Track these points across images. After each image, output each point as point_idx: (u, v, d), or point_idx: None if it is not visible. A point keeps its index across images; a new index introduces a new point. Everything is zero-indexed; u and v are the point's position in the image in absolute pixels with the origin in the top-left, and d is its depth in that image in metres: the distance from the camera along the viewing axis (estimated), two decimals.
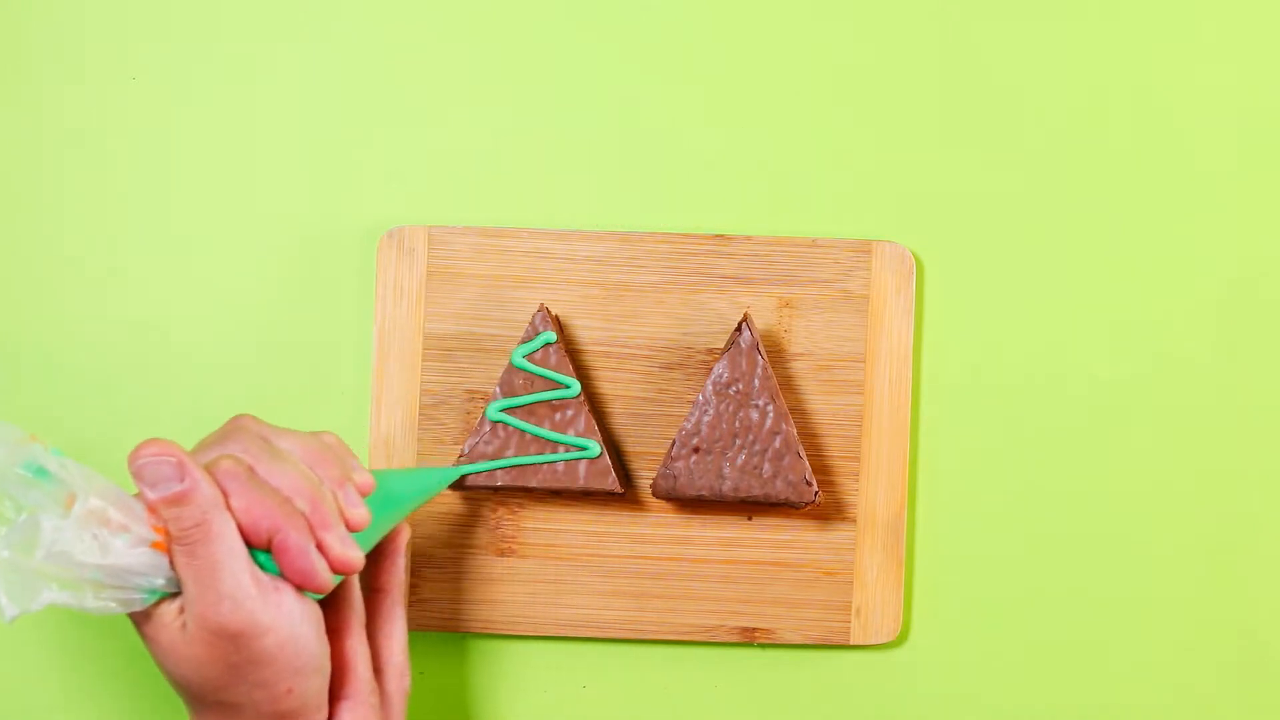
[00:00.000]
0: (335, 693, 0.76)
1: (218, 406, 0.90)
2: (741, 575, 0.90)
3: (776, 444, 0.86)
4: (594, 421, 0.86)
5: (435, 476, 0.83)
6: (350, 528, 0.74)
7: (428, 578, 0.89)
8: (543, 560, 0.90)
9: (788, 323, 0.90)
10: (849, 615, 0.90)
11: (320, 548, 0.73)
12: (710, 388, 0.86)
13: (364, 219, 0.91)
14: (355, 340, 0.91)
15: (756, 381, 0.86)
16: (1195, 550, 0.91)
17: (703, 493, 0.86)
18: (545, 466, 0.86)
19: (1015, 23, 0.91)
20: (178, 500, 0.70)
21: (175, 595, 0.72)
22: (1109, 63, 0.91)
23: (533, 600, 0.90)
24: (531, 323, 0.87)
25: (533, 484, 0.86)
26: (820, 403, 0.90)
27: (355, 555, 0.74)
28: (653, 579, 0.90)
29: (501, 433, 0.86)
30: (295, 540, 0.72)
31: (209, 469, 0.72)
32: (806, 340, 0.90)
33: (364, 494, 0.76)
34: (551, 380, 0.86)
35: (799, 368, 0.90)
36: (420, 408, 0.89)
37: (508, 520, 0.90)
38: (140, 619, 0.72)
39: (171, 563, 0.71)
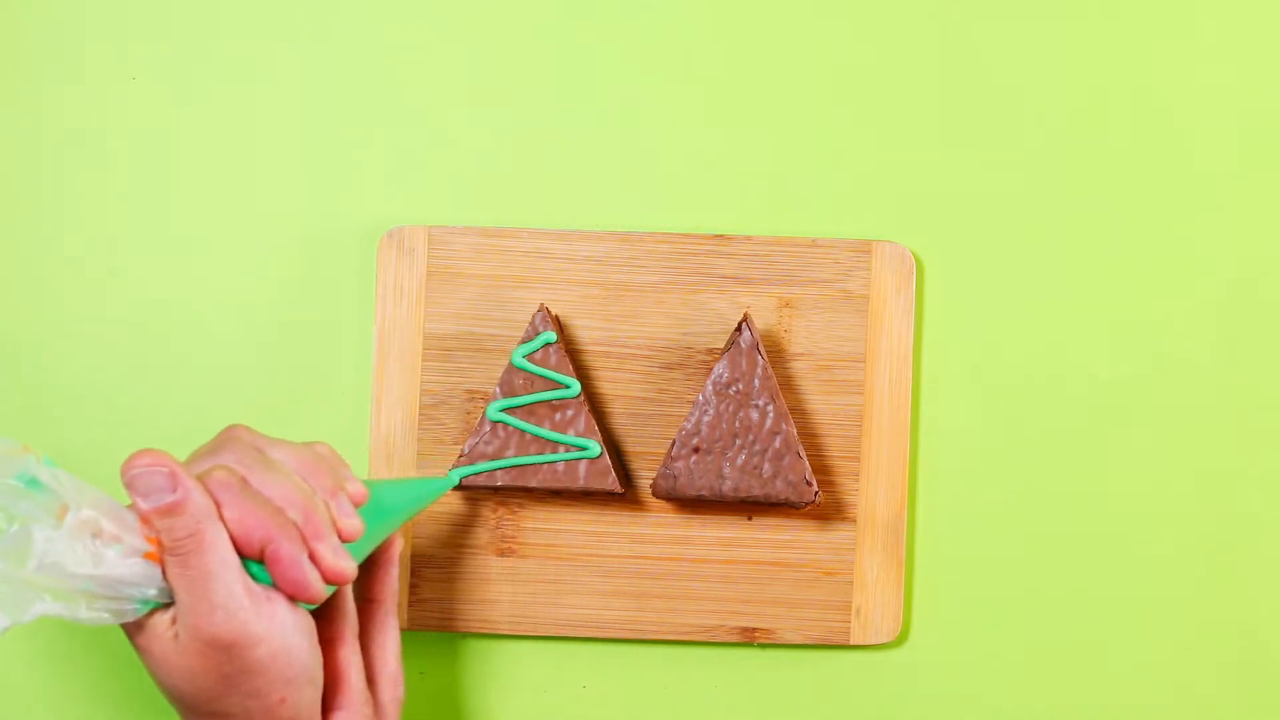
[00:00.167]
0: (329, 703, 0.76)
1: (217, 406, 0.90)
2: (741, 575, 0.90)
3: (776, 444, 0.86)
4: (594, 421, 0.86)
5: (429, 486, 0.83)
6: (343, 538, 0.74)
7: (427, 578, 0.89)
8: (543, 560, 0.90)
9: (788, 323, 0.90)
10: (849, 615, 0.90)
11: (313, 558, 0.73)
12: (710, 388, 0.86)
13: (364, 219, 0.91)
14: (355, 340, 0.91)
15: (756, 381, 0.86)
16: (1195, 550, 0.91)
17: (703, 493, 0.86)
18: (545, 466, 0.86)
19: (1015, 23, 0.91)
20: (170, 511, 0.70)
21: (168, 606, 0.72)
22: (1109, 63, 0.91)
23: (532, 600, 0.90)
24: (531, 323, 0.87)
25: (533, 484, 0.86)
26: (820, 403, 0.90)
27: (348, 566, 0.74)
28: (653, 579, 0.90)
29: (501, 433, 0.86)
30: (288, 551, 0.71)
31: (202, 479, 0.72)
32: (806, 340, 0.90)
33: (357, 504, 0.76)
34: (551, 380, 0.86)
35: (799, 368, 0.90)
36: (420, 408, 0.89)
37: (508, 520, 0.90)
38: (133, 630, 0.72)
39: (164, 573, 0.71)
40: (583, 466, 0.86)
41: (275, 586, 0.72)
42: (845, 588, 0.90)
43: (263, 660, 0.71)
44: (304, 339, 0.91)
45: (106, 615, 0.70)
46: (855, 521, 0.89)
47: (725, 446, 0.86)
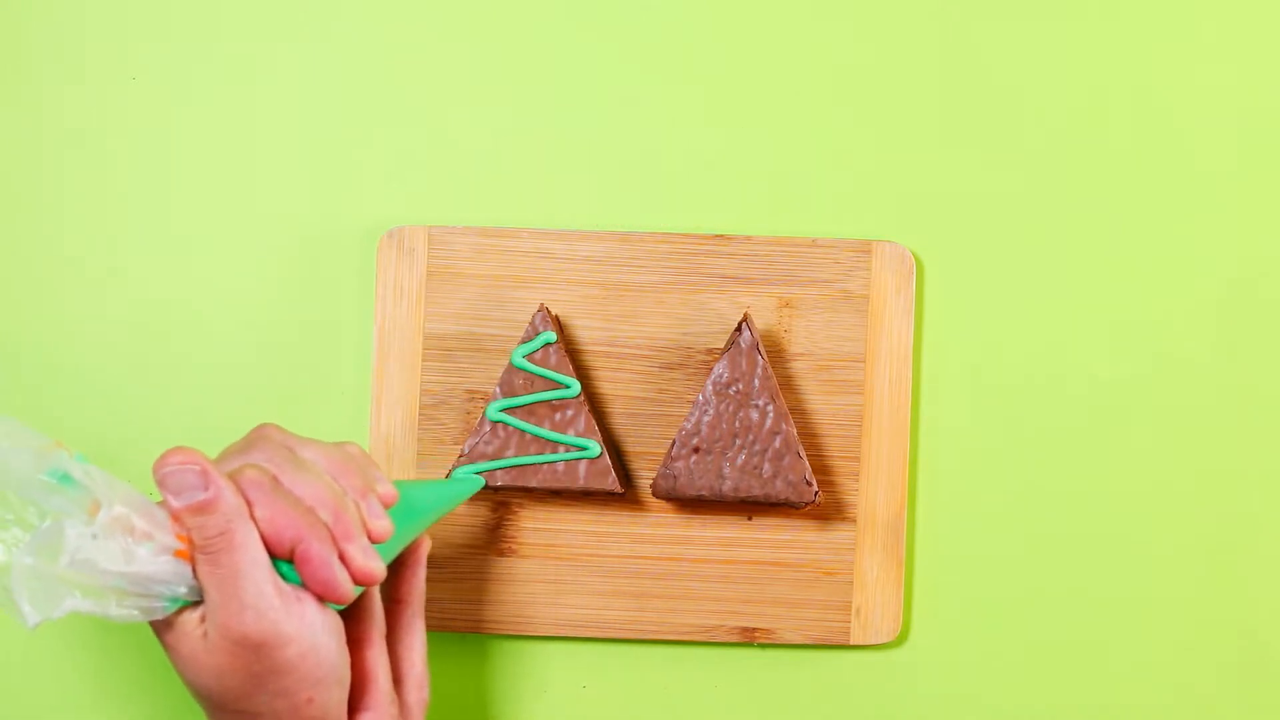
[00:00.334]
0: (355, 703, 0.76)
1: (218, 406, 0.90)
2: (741, 575, 0.90)
3: (776, 444, 0.86)
4: (594, 421, 0.86)
5: (458, 488, 0.83)
6: (373, 539, 0.74)
7: (428, 577, 0.89)
8: (543, 560, 0.90)
9: (788, 323, 0.90)
10: (849, 615, 0.90)
11: (342, 558, 0.73)
12: (710, 388, 0.86)
13: (364, 219, 0.91)
14: (355, 340, 0.91)
15: (756, 381, 0.86)
16: (1195, 550, 0.91)
17: (703, 493, 0.86)
18: (545, 466, 0.86)
19: (1015, 23, 0.91)
20: (202, 509, 0.70)
21: (197, 604, 0.72)
22: (1109, 63, 0.91)
23: (533, 600, 0.90)
24: (531, 323, 0.87)
25: (533, 484, 0.86)
26: (820, 403, 0.90)
27: (377, 566, 0.74)
28: (653, 579, 0.90)
29: (501, 433, 0.86)
30: (318, 551, 0.72)
31: (233, 478, 0.72)
32: (806, 340, 0.90)
33: (387, 505, 0.76)
34: (551, 380, 0.86)
35: (799, 368, 0.90)
36: (420, 408, 0.89)
37: (508, 520, 0.90)
38: (162, 627, 0.72)
39: (194, 571, 0.71)
40: (583, 466, 0.86)
41: (305, 586, 0.72)
42: (845, 588, 0.90)
43: (291, 660, 0.71)
44: (304, 339, 0.91)
45: (136, 612, 0.70)
46: (855, 521, 0.89)
47: (725, 446, 0.86)
